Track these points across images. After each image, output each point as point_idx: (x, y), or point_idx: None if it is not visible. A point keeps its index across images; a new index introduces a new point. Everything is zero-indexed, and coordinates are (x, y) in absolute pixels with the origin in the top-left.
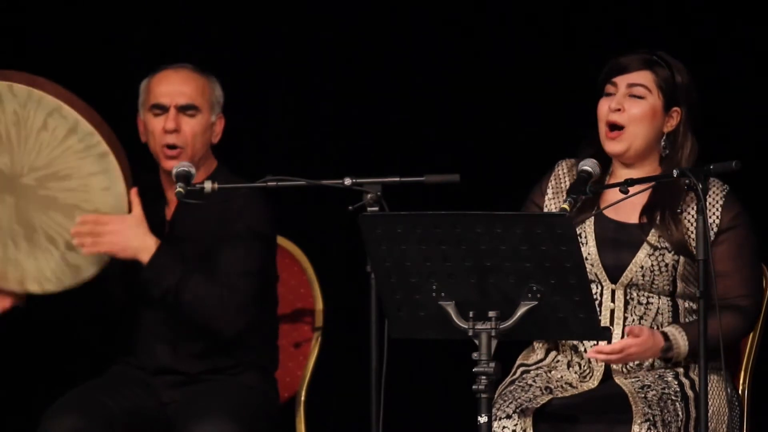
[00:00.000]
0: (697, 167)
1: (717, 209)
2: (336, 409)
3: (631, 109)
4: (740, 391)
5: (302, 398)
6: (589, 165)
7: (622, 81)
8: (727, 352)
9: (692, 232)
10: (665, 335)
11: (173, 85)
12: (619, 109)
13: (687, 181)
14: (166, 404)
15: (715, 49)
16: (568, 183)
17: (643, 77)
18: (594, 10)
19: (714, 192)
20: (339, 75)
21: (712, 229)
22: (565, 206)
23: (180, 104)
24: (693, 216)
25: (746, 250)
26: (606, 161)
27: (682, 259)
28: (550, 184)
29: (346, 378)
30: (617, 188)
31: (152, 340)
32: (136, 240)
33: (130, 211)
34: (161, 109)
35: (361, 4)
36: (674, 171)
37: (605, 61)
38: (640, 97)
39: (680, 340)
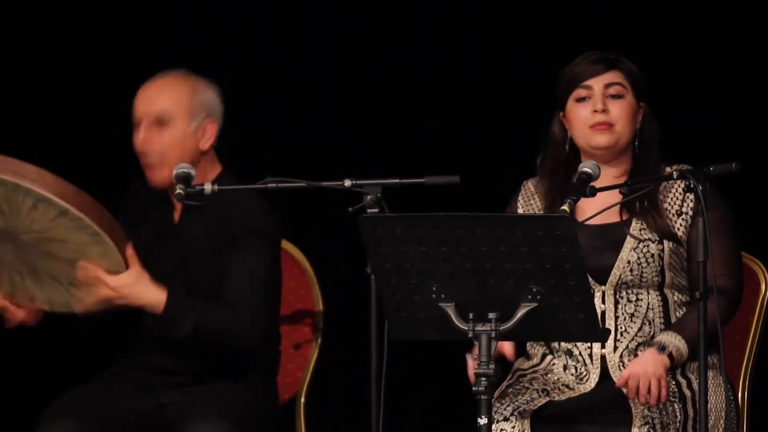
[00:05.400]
0: (696, 168)
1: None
2: (336, 411)
3: (614, 109)
4: (740, 391)
5: (302, 400)
6: (588, 167)
7: (596, 83)
8: (714, 337)
9: (670, 215)
10: (670, 355)
11: (145, 98)
12: (605, 110)
13: (687, 183)
14: (165, 405)
15: (716, 49)
16: (537, 201)
17: (616, 77)
18: (593, 11)
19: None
20: (339, 75)
21: (688, 213)
22: (565, 208)
23: (150, 117)
24: (670, 202)
25: (722, 230)
26: (571, 171)
27: (667, 247)
28: (519, 204)
29: (346, 379)
30: (590, 197)
31: (153, 342)
32: (142, 296)
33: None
34: (137, 122)
35: (360, 4)
36: (674, 173)
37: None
38: (619, 96)
39: (683, 349)
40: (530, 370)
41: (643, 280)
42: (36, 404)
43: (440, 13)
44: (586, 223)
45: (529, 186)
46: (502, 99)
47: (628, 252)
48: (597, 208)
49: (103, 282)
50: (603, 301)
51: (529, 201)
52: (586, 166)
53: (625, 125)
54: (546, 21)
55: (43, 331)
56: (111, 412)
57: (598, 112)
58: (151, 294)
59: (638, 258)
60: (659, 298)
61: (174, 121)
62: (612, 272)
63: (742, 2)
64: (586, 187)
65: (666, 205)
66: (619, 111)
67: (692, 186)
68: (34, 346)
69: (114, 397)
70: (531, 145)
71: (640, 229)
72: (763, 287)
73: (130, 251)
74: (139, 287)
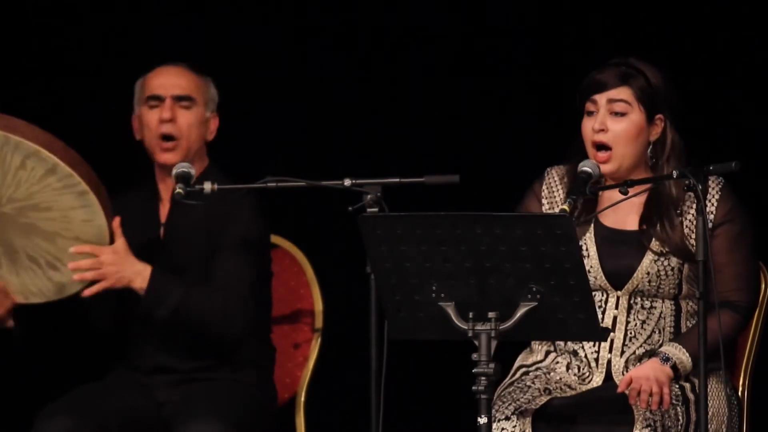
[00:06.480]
0: (696, 168)
1: (713, 203)
2: (336, 410)
3: (615, 127)
4: (739, 392)
5: (302, 399)
6: (588, 166)
7: (601, 98)
8: (725, 350)
9: (691, 236)
10: (674, 366)
11: (169, 77)
12: (602, 129)
13: (687, 182)
14: (161, 405)
15: (715, 51)
16: (561, 193)
17: (622, 93)
18: (595, 11)
19: (710, 186)
20: (338, 75)
21: (709, 224)
22: (565, 207)
23: (176, 95)
24: (691, 219)
25: (741, 244)
26: None
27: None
28: (544, 193)
29: (346, 379)
30: (612, 193)
31: (142, 339)
32: (129, 268)
33: (111, 242)
34: (157, 99)
35: (359, 3)
36: (674, 172)
37: (588, 70)
38: (622, 114)
39: (686, 362)
40: (533, 367)
41: (660, 290)
42: (33, 405)
43: (439, 12)
44: (611, 226)
45: (554, 175)
46: (502, 98)
47: (648, 263)
48: (615, 209)
49: (94, 253)
50: (616, 307)
51: (552, 191)
52: (585, 165)
53: (625, 146)
54: (545, 20)
55: (40, 332)
56: (108, 410)
57: (595, 131)
58: (138, 266)
59: (658, 270)
60: (673, 308)
61: (196, 104)
62: (630, 280)
63: (743, 2)
64: (586, 187)
65: (690, 217)
66: (619, 130)
67: (692, 185)
68: (31, 347)
69: (111, 397)
70: (531, 144)
71: (661, 243)
72: (763, 287)
73: (116, 224)
74: (128, 258)
